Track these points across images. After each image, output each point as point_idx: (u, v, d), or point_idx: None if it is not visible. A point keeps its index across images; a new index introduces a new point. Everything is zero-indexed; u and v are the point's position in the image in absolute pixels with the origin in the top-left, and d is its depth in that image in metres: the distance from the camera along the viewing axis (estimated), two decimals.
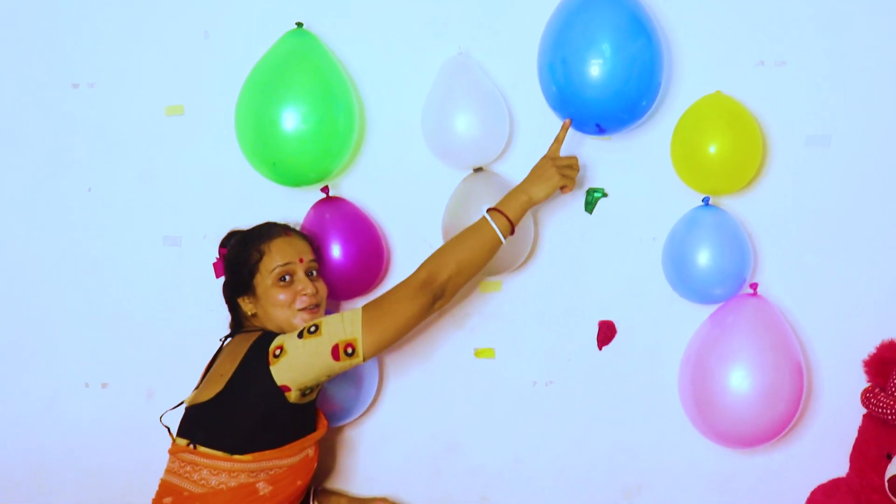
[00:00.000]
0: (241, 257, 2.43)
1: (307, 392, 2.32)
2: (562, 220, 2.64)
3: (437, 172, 2.60)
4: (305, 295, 2.40)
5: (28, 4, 2.69)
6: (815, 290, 2.58)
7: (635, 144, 2.58)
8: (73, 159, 2.71)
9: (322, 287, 2.46)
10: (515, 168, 2.60)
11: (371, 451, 2.74)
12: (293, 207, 2.62)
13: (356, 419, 2.70)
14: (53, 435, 2.79)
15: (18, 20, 2.70)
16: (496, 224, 2.31)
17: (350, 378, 2.59)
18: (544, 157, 2.39)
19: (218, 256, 2.50)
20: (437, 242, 2.61)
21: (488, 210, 2.33)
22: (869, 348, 2.51)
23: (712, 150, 2.41)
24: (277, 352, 2.26)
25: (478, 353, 2.70)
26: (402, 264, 2.68)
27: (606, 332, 2.65)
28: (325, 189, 2.59)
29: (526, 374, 2.69)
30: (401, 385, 2.73)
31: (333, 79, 2.51)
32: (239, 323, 2.48)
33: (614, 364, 2.66)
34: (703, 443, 2.59)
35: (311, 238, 2.52)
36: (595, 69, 2.34)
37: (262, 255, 2.41)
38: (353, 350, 2.23)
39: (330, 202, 2.59)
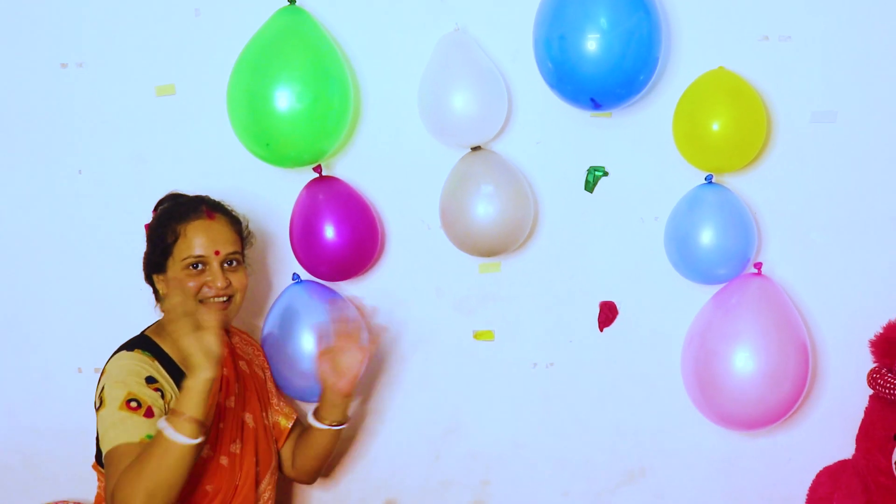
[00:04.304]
0: (157, 234, 2.30)
1: None
2: (562, 199, 2.60)
3: (434, 151, 2.56)
4: (211, 288, 2.26)
5: None
6: (821, 269, 2.55)
7: (636, 122, 2.54)
8: (63, 141, 2.67)
9: (239, 278, 2.31)
10: (514, 146, 2.56)
11: (370, 434, 2.72)
12: (287, 188, 2.58)
13: (355, 402, 2.68)
14: (46, 420, 2.77)
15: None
16: (177, 430, 2.00)
17: None
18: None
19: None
20: (435, 223, 2.57)
21: (165, 418, 2.03)
22: (875, 328, 2.48)
23: (715, 127, 2.37)
24: (99, 400, 2.15)
25: (477, 336, 2.67)
26: (398, 245, 2.64)
27: (608, 313, 2.62)
28: (318, 168, 2.54)
29: (526, 356, 2.67)
30: (399, 367, 2.70)
31: (327, 57, 2.46)
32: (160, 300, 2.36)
33: (616, 345, 2.63)
34: (707, 425, 2.56)
35: (239, 222, 2.39)
36: (591, 44, 2.28)
37: (176, 237, 2.27)
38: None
39: (323, 182, 2.55)
